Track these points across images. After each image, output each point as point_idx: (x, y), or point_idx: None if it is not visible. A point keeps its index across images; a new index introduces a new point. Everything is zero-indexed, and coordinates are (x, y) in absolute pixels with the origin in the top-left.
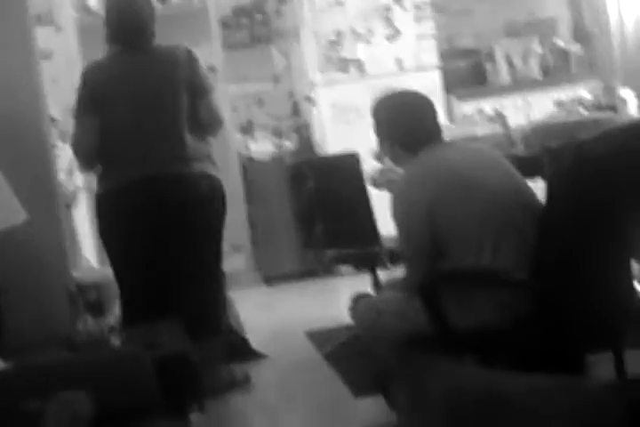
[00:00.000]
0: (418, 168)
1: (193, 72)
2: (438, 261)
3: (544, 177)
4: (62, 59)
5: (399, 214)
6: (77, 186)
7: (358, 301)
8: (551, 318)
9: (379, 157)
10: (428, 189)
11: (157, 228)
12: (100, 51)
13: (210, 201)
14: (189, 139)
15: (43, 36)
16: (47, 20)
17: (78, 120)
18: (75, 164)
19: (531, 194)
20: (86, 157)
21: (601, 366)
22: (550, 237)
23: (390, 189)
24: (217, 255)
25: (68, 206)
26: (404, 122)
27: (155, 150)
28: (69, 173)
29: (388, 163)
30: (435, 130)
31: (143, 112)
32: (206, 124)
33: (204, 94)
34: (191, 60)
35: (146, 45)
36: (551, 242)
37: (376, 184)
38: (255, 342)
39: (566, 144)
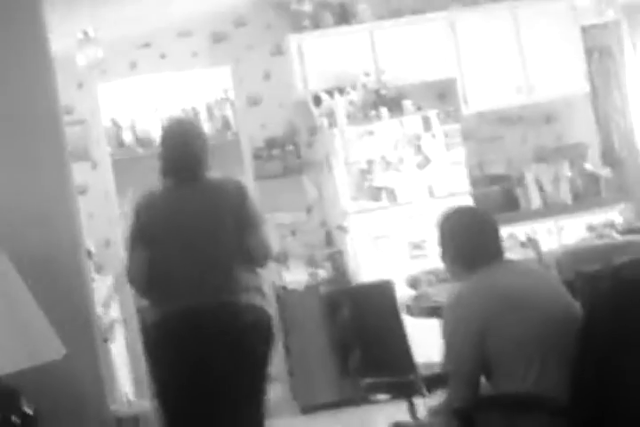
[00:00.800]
0: (471, 287)
1: (243, 204)
2: (481, 383)
3: (577, 301)
4: (98, 193)
5: (447, 330)
6: (114, 318)
7: None
8: None
9: (412, 285)
10: (478, 309)
11: (202, 357)
12: (133, 184)
13: (256, 331)
14: (238, 271)
15: (79, 172)
16: (83, 155)
17: (130, 252)
18: (112, 296)
19: (578, 316)
20: (139, 288)
21: None
22: (588, 362)
23: (424, 316)
24: (261, 387)
25: (106, 340)
26: (467, 241)
27: (203, 282)
28: (106, 305)
29: (423, 289)
30: (495, 251)
31: (192, 245)
32: (257, 254)
33: (254, 226)
34: (241, 193)
35: (198, 178)
36: (589, 367)
37: (411, 311)
38: None
39: (601, 268)
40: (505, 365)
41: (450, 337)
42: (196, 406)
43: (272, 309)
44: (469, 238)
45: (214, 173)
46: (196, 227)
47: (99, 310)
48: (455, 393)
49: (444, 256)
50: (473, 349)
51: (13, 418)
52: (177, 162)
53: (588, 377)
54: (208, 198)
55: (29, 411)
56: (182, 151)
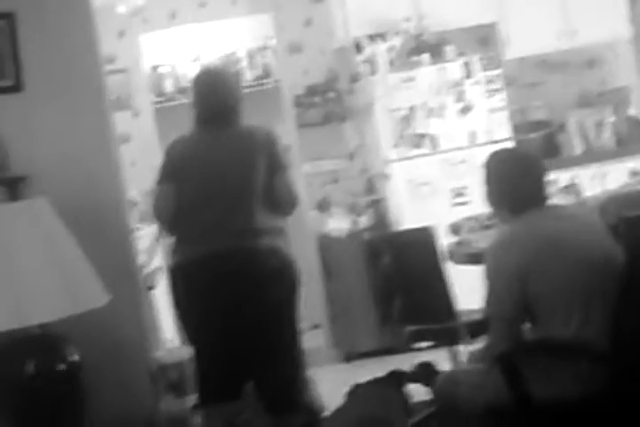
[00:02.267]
0: (513, 232)
1: (270, 149)
2: (522, 328)
3: (621, 246)
4: (140, 142)
5: (488, 275)
6: (157, 266)
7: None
8: (631, 392)
9: (454, 231)
10: (519, 253)
11: (228, 303)
12: (175, 133)
13: (279, 275)
14: (262, 215)
15: (121, 121)
16: (125, 104)
17: (158, 187)
18: (156, 244)
19: (621, 261)
20: (164, 222)
21: None
22: (630, 307)
23: (466, 262)
24: (292, 330)
25: (150, 288)
26: (511, 183)
27: (226, 223)
28: (150, 253)
29: (465, 236)
30: (540, 195)
31: (217, 184)
32: (282, 200)
33: (280, 170)
34: (270, 139)
35: (229, 125)
36: (631, 312)
37: (452, 258)
38: None
39: None
40: (547, 310)
41: (491, 282)
42: (228, 352)
43: (312, 256)
44: (514, 180)
45: (251, 120)
46: (223, 170)
47: (142, 258)
48: (496, 339)
49: (489, 197)
50: (514, 293)
51: (60, 365)
52: (208, 109)
53: (631, 323)
54: (237, 143)
55: (75, 358)
56: (213, 99)
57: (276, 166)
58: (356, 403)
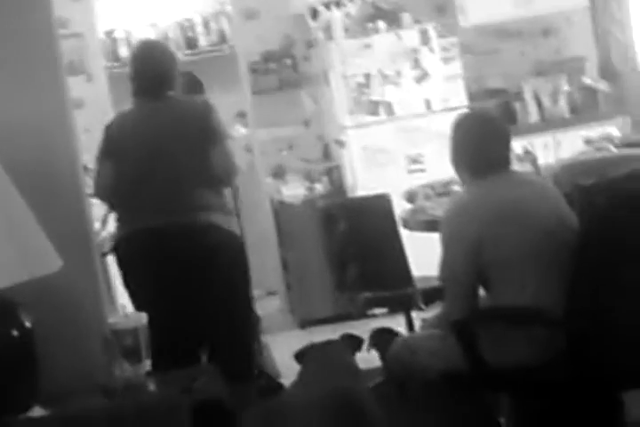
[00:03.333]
0: (468, 198)
1: (207, 121)
2: (478, 294)
3: (575, 214)
4: (94, 107)
5: (444, 241)
6: (112, 233)
7: (379, 335)
8: (585, 357)
9: (410, 199)
10: (476, 219)
11: (169, 277)
12: (128, 97)
13: (217, 252)
14: (199, 187)
15: (74, 86)
16: (79, 69)
17: (97, 164)
18: (109, 211)
19: (576, 228)
20: (105, 199)
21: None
22: (584, 274)
23: (421, 229)
24: (239, 302)
25: (104, 254)
26: (476, 145)
27: (164, 199)
28: (104, 220)
29: (419, 203)
30: (501, 160)
31: (154, 160)
32: (220, 171)
33: (217, 141)
34: (206, 110)
35: (165, 96)
36: (585, 279)
37: (408, 225)
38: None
39: (597, 181)
40: (502, 276)
41: (446, 247)
42: (180, 321)
43: (268, 223)
44: (479, 143)
45: (207, 86)
46: (158, 145)
47: (97, 225)
48: (452, 305)
49: (452, 160)
50: (469, 258)
51: (13, 331)
52: (143, 82)
53: (584, 289)
54: (172, 117)
55: (27, 324)
56: (148, 71)
57: (212, 138)
58: (314, 368)
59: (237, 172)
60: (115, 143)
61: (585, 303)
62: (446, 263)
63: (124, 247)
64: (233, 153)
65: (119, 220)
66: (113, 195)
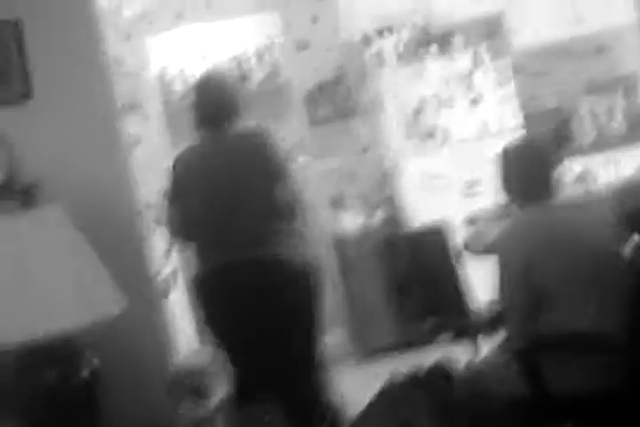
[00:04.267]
0: (520, 223)
1: (268, 155)
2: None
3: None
4: (152, 144)
5: (498, 265)
6: (175, 268)
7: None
8: None
9: (472, 222)
10: (525, 244)
11: (244, 314)
12: (186, 133)
13: (292, 286)
14: (267, 221)
15: (131, 124)
16: (135, 107)
17: (168, 204)
18: (172, 245)
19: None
20: (181, 239)
21: None
22: None
23: (482, 253)
24: (312, 338)
25: (166, 290)
26: (519, 174)
27: (234, 234)
28: (167, 255)
29: (481, 226)
30: (546, 187)
31: (221, 195)
32: (284, 209)
33: (279, 179)
34: (267, 143)
35: (228, 130)
36: None
37: (469, 248)
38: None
39: None
40: (558, 300)
41: (501, 272)
42: (254, 359)
43: (328, 254)
44: (521, 172)
45: (263, 120)
46: (223, 181)
47: (159, 260)
48: (513, 330)
49: (503, 188)
50: (520, 283)
51: (82, 373)
52: (203, 114)
53: None
54: (233, 153)
55: (94, 366)
56: (208, 103)
57: (274, 174)
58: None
59: (301, 207)
60: (181, 181)
61: None
62: (503, 288)
63: (199, 283)
64: (298, 187)
65: (194, 255)
66: (187, 235)
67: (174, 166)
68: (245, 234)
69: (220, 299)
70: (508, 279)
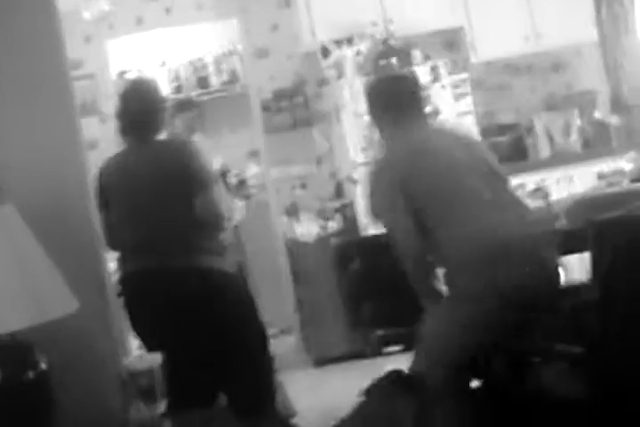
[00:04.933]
0: (390, 152)
1: (189, 167)
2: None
3: (588, 249)
4: (108, 147)
5: (374, 195)
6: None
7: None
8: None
9: None
10: (398, 169)
11: (169, 319)
12: None
13: (210, 294)
14: (189, 232)
15: (88, 127)
16: (92, 110)
17: (99, 214)
18: None
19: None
20: (112, 248)
21: None
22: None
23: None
24: (246, 343)
25: (119, 294)
26: (379, 107)
27: (152, 247)
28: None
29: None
30: (414, 110)
31: (141, 210)
32: (204, 220)
33: (201, 189)
34: (188, 155)
35: (151, 139)
36: (614, 314)
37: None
38: (305, 424)
39: (615, 217)
40: (438, 215)
41: (379, 201)
42: (191, 363)
43: (282, 261)
44: (387, 99)
45: (219, 125)
46: (142, 192)
47: (112, 264)
48: (405, 248)
49: (372, 120)
50: (402, 206)
51: (29, 373)
52: (126, 122)
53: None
54: (155, 163)
55: (43, 365)
56: (133, 113)
57: (195, 185)
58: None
59: (221, 218)
60: (106, 190)
61: (615, 335)
62: (386, 215)
63: (122, 289)
64: (219, 199)
65: (119, 259)
66: (111, 243)
67: (100, 175)
68: (164, 243)
69: (137, 304)
70: (389, 205)
